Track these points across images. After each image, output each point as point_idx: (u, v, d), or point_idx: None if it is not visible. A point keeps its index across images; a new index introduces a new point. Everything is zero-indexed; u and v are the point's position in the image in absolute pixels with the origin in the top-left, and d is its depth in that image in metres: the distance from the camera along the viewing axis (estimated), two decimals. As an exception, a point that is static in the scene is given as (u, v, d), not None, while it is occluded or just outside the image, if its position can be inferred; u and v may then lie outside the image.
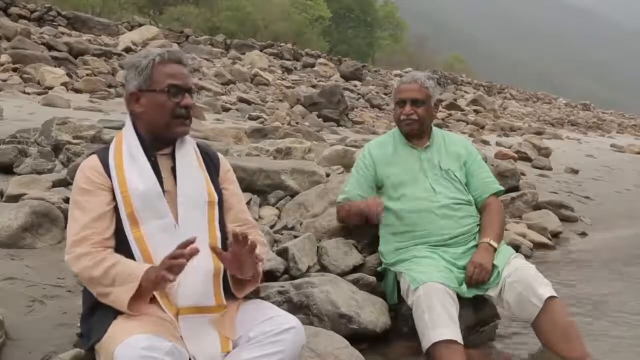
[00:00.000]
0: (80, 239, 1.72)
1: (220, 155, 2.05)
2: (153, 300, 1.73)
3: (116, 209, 1.77)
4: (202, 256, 1.78)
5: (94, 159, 1.83)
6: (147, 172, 1.80)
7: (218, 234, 1.86)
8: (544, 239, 4.50)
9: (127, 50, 15.62)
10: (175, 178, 1.84)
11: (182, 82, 1.83)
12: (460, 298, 2.41)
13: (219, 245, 1.85)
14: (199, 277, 1.77)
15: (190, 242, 1.60)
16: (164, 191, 1.80)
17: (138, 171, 1.79)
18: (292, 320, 1.77)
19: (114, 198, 1.77)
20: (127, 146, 1.83)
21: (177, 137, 1.87)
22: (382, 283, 2.73)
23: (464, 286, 2.46)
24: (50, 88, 10.08)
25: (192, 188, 1.84)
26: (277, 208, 3.31)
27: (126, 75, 1.88)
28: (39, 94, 9.22)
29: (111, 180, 1.78)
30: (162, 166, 1.85)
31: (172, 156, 1.87)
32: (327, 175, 3.74)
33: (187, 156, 1.89)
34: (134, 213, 1.75)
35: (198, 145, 1.97)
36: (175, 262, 1.58)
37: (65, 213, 2.90)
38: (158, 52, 1.84)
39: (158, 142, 1.86)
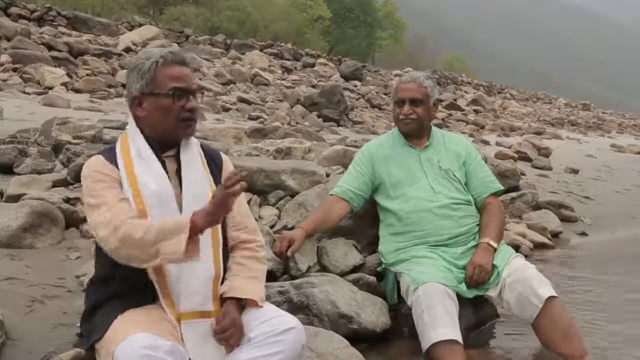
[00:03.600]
0: (111, 217, 1.66)
1: (224, 156, 2.02)
2: (155, 302, 1.72)
3: None
4: (204, 261, 1.78)
5: (100, 157, 1.80)
6: (159, 172, 1.77)
7: (220, 238, 1.85)
8: (544, 239, 4.50)
9: (127, 50, 15.61)
10: (180, 181, 1.81)
11: (186, 84, 1.79)
12: (460, 298, 2.41)
13: (220, 250, 1.84)
14: (199, 282, 1.76)
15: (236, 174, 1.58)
16: None
17: (149, 171, 1.76)
18: (292, 320, 1.76)
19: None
20: (135, 147, 1.79)
21: (181, 140, 1.84)
22: (382, 283, 2.73)
23: (464, 286, 2.46)
24: (50, 88, 10.07)
25: (196, 191, 1.81)
26: (277, 208, 3.31)
27: (128, 78, 1.82)
28: (39, 94, 9.22)
29: (120, 178, 1.75)
30: (168, 169, 1.82)
31: (176, 158, 1.84)
32: (327, 175, 3.74)
33: (192, 159, 1.86)
34: (145, 209, 1.72)
35: (202, 146, 1.95)
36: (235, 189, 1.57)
37: (65, 213, 2.91)
38: (160, 54, 1.79)
39: (162, 145, 1.83)
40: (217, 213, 1.62)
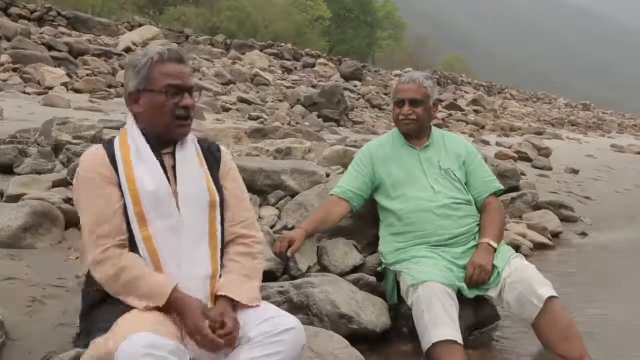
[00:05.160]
0: (97, 238, 1.70)
1: (222, 149, 2.00)
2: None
3: (124, 206, 1.74)
4: (201, 261, 1.78)
5: (101, 151, 1.80)
6: (156, 170, 1.77)
7: (219, 235, 1.84)
8: (544, 239, 4.50)
9: (127, 50, 15.61)
10: (176, 177, 1.82)
11: (181, 81, 1.80)
12: (460, 298, 2.41)
13: (219, 245, 1.83)
14: (197, 282, 1.75)
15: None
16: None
17: (147, 170, 1.76)
18: (292, 320, 1.76)
19: (122, 194, 1.75)
20: (134, 143, 1.79)
21: (177, 138, 1.84)
22: (382, 283, 2.73)
23: (464, 286, 2.46)
24: (50, 88, 10.08)
25: (192, 188, 1.82)
26: (277, 208, 3.31)
27: (125, 74, 1.85)
28: (39, 94, 9.23)
29: (118, 176, 1.75)
30: (166, 165, 1.82)
31: (174, 155, 1.84)
32: (327, 175, 3.74)
33: (188, 155, 1.86)
34: (142, 211, 1.72)
35: (199, 141, 1.94)
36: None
37: (65, 213, 2.90)
38: (157, 51, 1.80)
39: (161, 141, 1.83)
40: (190, 330, 1.67)
